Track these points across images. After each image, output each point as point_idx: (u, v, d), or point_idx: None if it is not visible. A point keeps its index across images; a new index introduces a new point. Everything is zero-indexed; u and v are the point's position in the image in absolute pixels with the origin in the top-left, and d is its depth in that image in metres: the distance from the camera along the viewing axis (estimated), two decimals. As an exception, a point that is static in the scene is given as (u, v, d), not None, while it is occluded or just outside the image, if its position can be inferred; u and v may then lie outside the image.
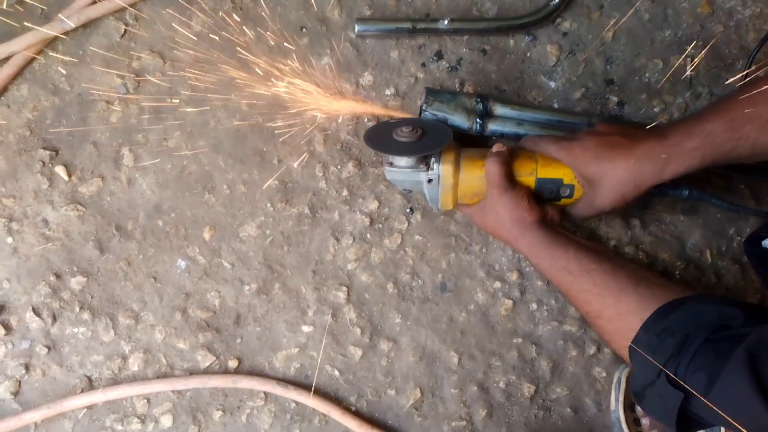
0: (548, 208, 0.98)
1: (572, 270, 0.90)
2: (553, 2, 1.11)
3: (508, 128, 1.06)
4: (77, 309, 1.07)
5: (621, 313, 0.86)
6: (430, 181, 0.98)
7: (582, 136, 0.95)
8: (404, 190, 1.08)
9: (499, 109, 1.07)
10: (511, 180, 0.96)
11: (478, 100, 1.06)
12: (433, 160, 0.97)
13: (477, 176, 0.97)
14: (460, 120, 1.05)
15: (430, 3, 1.13)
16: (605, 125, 0.96)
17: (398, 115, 1.08)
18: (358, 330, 1.10)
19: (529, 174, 0.97)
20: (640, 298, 0.85)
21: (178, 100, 1.08)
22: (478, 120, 1.05)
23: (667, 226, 1.14)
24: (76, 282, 1.07)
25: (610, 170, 0.91)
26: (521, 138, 1.06)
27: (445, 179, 0.97)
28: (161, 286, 1.08)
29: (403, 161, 0.98)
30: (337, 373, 1.10)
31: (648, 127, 0.96)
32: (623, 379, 1.08)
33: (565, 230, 0.97)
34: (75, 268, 1.07)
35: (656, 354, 0.80)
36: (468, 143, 1.04)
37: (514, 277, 1.12)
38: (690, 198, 1.02)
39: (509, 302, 1.12)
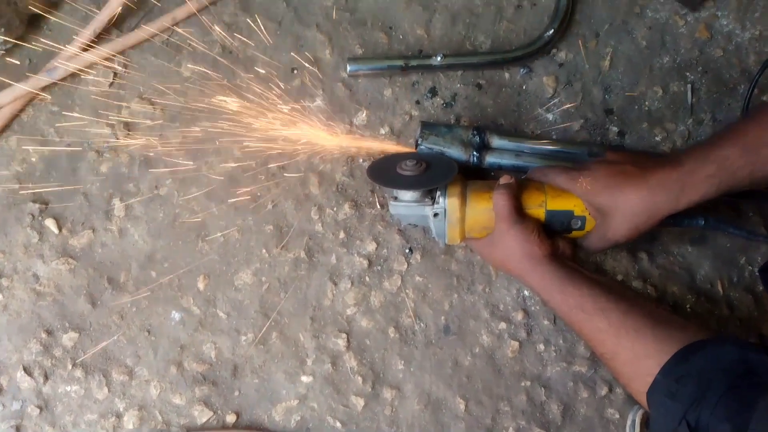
0: (559, 241, 0.91)
1: (586, 308, 0.83)
2: (548, 33, 1.06)
3: (507, 160, 1.00)
4: (69, 366, 1.00)
5: (638, 355, 0.78)
6: (436, 215, 0.92)
7: (591, 166, 0.89)
8: (409, 224, 1.02)
9: (496, 141, 1.01)
10: (520, 213, 0.89)
11: (475, 132, 1.00)
12: (438, 193, 0.92)
13: (484, 209, 0.91)
14: (456, 153, 0.99)
15: (423, 39, 1.08)
16: (614, 153, 0.91)
17: (395, 150, 1.03)
18: (360, 378, 1.02)
19: (538, 206, 0.91)
20: (657, 339, 0.77)
21: (168, 147, 1.03)
22: (475, 153, 0.99)
23: (675, 257, 1.07)
24: (68, 338, 1.00)
25: (623, 201, 0.84)
26: (520, 170, 1.00)
27: (451, 213, 0.91)
28: (155, 340, 1.01)
29: (407, 195, 0.92)
30: (339, 424, 1.02)
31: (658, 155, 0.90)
32: (638, 421, 1.00)
33: (577, 265, 0.90)
34: (67, 324, 1.01)
35: (676, 400, 0.73)
36: (470, 175, 0.98)
37: (519, 316, 1.04)
38: (706, 227, 0.95)
39: (515, 343, 1.04)
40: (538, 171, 0.95)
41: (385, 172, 0.95)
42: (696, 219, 0.94)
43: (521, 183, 0.93)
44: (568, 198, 0.91)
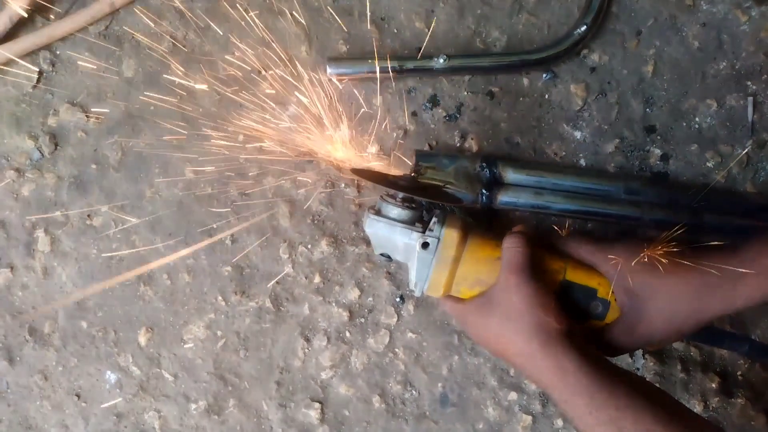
0: (575, 325, 0.66)
1: (625, 428, 0.58)
2: (579, 30, 0.82)
3: (524, 199, 0.77)
4: (-19, 437, 0.79)
5: None
6: (425, 245, 0.67)
7: (630, 241, 0.69)
8: (381, 255, 0.74)
9: (510, 175, 0.77)
10: (536, 268, 0.66)
11: (484, 165, 0.76)
12: (434, 220, 0.68)
13: (486, 257, 0.68)
14: (461, 191, 0.75)
15: (422, 35, 0.84)
16: None
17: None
18: (336, 458, 0.81)
19: (555, 272, 0.67)
20: None
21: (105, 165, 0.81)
22: (484, 191, 0.75)
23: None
24: (-21, 402, 0.79)
25: (665, 281, 0.64)
26: (541, 211, 0.77)
27: (445, 247, 0.67)
28: (86, 406, 0.81)
29: (395, 211, 0.69)
30: None
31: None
32: None
33: (604, 355, 0.65)
34: (-22, 384, 0.79)
35: None
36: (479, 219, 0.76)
37: (533, 385, 0.82)
38: (751, 356, 0.71)
39: (528, 418, 0.82)
40: (559, 238, 0.72)
41: (374, 176, 0.75)
42: (740, 342, 0.71)
43: (535, 242, 0.69)
44: (591, 273, 0.68)
